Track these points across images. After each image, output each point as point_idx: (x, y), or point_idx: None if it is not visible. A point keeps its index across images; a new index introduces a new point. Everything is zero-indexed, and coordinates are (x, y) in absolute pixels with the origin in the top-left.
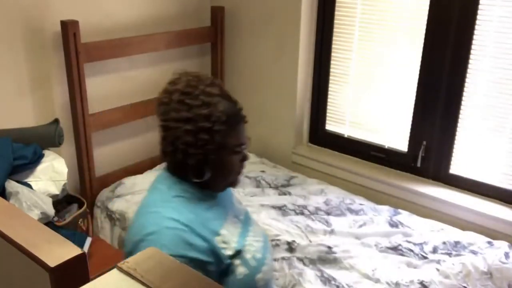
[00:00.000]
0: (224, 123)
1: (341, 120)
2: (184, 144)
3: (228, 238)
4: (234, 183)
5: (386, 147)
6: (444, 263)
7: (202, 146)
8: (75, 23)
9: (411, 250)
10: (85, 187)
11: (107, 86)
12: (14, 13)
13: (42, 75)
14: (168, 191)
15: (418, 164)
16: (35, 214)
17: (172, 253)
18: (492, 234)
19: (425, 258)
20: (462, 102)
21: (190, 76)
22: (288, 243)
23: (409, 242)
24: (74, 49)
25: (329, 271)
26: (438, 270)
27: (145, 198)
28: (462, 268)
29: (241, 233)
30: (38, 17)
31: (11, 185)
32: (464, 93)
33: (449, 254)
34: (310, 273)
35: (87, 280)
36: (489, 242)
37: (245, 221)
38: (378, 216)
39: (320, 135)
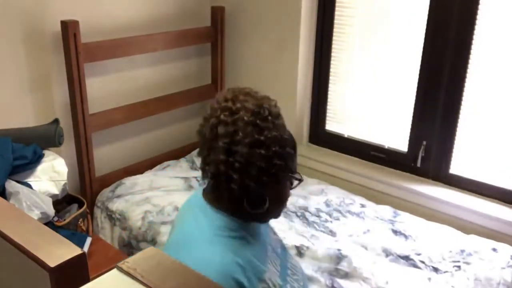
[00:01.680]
0: (293, 147)
1: (341, 120)
2: (258, 171)
3: (272, 283)
4: (280, 213)
5: (386, 147)
6: (456, 276)
7: (275, 174)
8: (75, 23)
9: (423, 262)
10: (85, 187)
11: (107, 86)
12: (14, 13)
13: (42, 75)
14: (210, 227)
15: (418, 164)
16: (35, 214)
17: None
18: (493, 234)
19: (435, 270)
20: (462, 102)
21: (251, 94)
22: (297, 247)
23: (417, 254)
24: (74, 49)
25: (339, 280)
26: (453, 287)
27: (182, 227)
28: (475, 282)
29: (281, 273)
30: (38, 17)
31: (11, 185)
32: (464, 93)
33: (458, 266)
34: (320, 281)
35: (87, 280)
36: (493, 249)
37: (283, 256)
38: (379, 220)
39: (320, 135)
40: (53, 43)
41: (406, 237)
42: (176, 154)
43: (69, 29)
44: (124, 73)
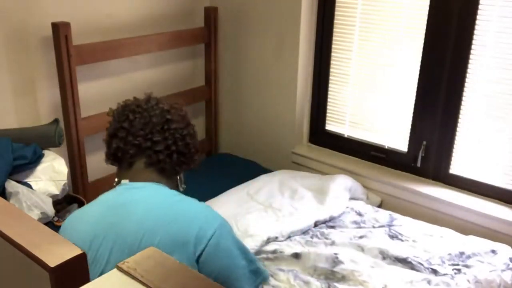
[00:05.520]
0: None
1: (341, 120)
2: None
3: None
4: None
5: (386, 147)
6: (456, 279)
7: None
8: (66, 25)
9: (421, 264)
10: (78, 192)
11: (99, 89)
12: (7, 15)
13: (33, 77)
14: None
15: (418, 164)
16: (35, 214)
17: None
18: (492, 234)
19: (434, 272)
20: (462, 102)
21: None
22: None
23: (416, 256)
24: (66, 51)
25: (336, 284)
26: None
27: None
28: (476, 285)
29: None
30: (29, 19)
31: (11, 185)
32: (464, 93)
33: (458, 269)
34: (316, 285)
35: (87, 280)
36: (493, 251)
37: None
38: (377, 224)
39: (320, 135)
40: (44, 45)
41: (403, 240)
42: None
43: (60, 31)
44: (116, 75)
